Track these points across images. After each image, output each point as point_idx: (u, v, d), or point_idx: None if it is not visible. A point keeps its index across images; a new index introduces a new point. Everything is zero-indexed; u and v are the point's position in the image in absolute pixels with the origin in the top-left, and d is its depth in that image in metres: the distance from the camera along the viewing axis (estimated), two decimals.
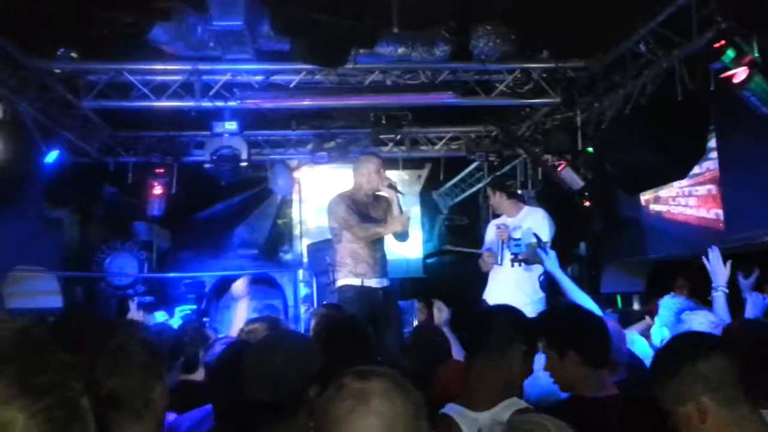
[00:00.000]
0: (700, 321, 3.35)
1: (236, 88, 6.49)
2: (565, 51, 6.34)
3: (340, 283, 5.01)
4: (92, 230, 8.63)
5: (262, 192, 9.79)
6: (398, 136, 8.55)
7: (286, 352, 2.06)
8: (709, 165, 6.43)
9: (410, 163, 9.55)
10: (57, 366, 0.90)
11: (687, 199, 7.02)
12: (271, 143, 8.54)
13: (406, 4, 5.48)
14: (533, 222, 5.28)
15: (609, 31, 5.70)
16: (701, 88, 4.94)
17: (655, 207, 7.62)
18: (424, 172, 10.33)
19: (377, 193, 5.16)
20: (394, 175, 7.52)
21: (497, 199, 5.61)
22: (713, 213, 6.53)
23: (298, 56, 5.63)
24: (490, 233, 5.58)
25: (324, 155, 8.17)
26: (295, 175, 9.17)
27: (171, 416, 2.58)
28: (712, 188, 6.52)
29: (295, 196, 10.04)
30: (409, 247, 9.27)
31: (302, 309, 9.12)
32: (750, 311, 3.72)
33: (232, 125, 7.02)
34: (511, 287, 5.23)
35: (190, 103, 6.49)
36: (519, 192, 6.43)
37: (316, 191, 9.65)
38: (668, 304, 3.76)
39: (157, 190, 7.81)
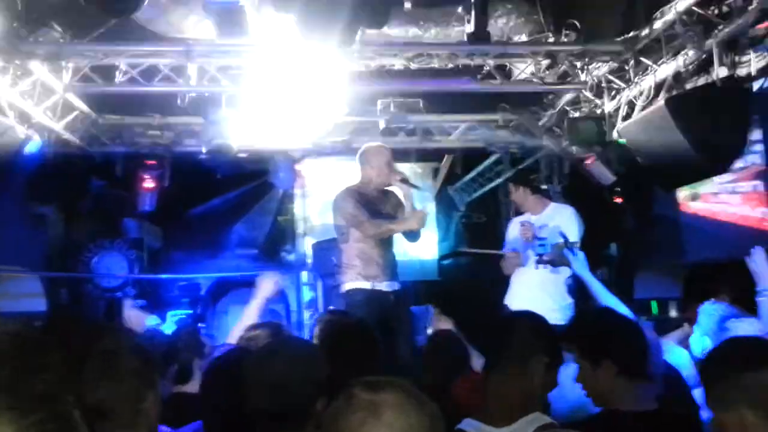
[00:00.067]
0: (746, 329, 3.32)
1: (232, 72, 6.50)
2: (593, 32, 6.31)
3: (347, 286, 4.98)
4: (78, 227, 8.68)
5: (262, 186, 9.81)
6: (409, 126, 8.54)
7: (291, 359, 2.07)
8: (755, 159, 6.39)
9: (423, 155, 9.53)
10: (51, 376, 0.90)
11: (729, 197, 6.98)
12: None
13: None
14: (560, 220, 5.27)
15: (641, 11, 5.67)
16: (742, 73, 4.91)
17: (693, 204, 7.58)
18: (445, 165, 10.28)
19: (386, 188, 5.14)
20: (405, 168, 7.54)
21: (520, 195, 5.60)
22: (759, 211, 6.49)
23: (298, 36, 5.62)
24: (513, 231, 5.56)
25: (329, 146, 8.17)
26: (298, 167, 9.18)
27: (164, 430, 2.59)
28: (758, 184, 6.48)
29: (297, 191, 10.06)
30: (423, 247, 9.27)
31: (306, 315, 9.14)
32: None
33: (228, 112, 7.03)
34: (537, 291, 5.22)
35: (183, 88, 6.50)
36: (543, 187, 6.41)
37: (320, 185, 9.67)
38: (709, 311, 3.73)
39: (148, 183, 7.84)
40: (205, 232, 9.99)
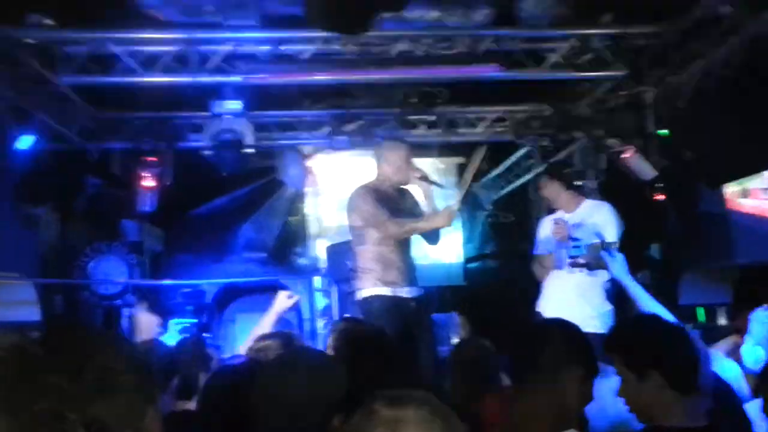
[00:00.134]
0: None
1: (239, 61, 6.52)
2: (631, 14, 6.27)
3: (365, 293, 4.95)
4: (73, 229, 8.73)
5: (271, 184, 9.84)
6: (432, 117, 8.53)
7: (307, 371, 2.07)
8: None
9: (447, 150, 9.52)
10: (53, 393, 0.90)
11: None
12: (280, 126, 8.56)
13: None
14: (596, 219, 5.24)
15: None
16: None
17: (743, 201, 7.52)
18: (475, 159, 10.26)
19: (402, 187, 5.13)
20: (427, 163, 7.53)
21: (554, 190, 5.56)
22: None
23: (312, 22, 5.64)
24: (545, 229, 5.52)
25: (343, 140, 8.19)
26: (309, 163, 9.20)
27: None
28: None
29: (309, 189, 10.08)
30: (446, 250, 9.25)
31: (320, 323, 9.14)
32: None
33: (234, 105, 7.06)
34: (573, 296, 5.18)
35: (186, 79, 6.53)
36: (578, 183, 6.37)
37: (334, 183, 9.68)
38: (762, 318, 3.71)
39: (148, 181, 7.88)
40: (210, 234, 10.02)
